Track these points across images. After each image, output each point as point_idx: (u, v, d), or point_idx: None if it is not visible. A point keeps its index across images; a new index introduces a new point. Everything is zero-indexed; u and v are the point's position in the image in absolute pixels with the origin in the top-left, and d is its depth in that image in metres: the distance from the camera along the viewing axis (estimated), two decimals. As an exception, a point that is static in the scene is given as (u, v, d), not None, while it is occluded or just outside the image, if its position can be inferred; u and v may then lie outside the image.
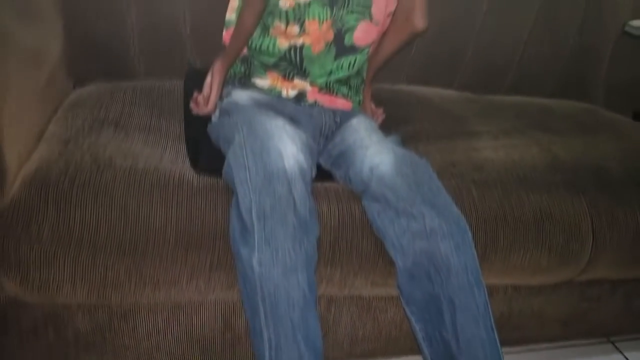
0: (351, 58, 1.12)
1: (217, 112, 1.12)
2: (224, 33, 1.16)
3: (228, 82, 1.14)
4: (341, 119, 1.14)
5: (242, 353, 1.09)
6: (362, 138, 1.08)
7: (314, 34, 1.08)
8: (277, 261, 0.82)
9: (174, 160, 1.03)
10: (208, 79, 1.11)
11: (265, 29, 1.09)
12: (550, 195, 1.12)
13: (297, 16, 1.06)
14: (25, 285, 0.90)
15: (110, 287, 0.93)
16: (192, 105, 1.14)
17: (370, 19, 1.10)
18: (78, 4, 1.28)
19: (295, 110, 1.10)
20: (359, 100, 1.19)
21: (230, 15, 1.14)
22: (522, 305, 1.21)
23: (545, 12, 1.58)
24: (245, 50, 1.12)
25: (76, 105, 1.16)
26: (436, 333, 0.92)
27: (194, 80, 1.18)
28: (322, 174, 1.04)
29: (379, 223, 0.97)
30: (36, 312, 0.98)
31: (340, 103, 1.15)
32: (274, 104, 1.09)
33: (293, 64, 1.10)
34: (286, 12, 1.06)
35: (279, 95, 1.12)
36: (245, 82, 1.13)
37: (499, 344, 0.91)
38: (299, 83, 1.12)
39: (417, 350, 0.96)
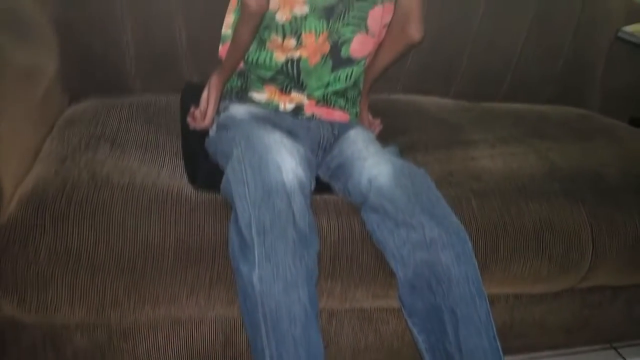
0: (348, 70, 1.12)
1: (214, 127, 1.12)
2: (221, 48, 1.16)
3: (225, 96, 1.14)
4: (339, 131, 1.13)
5: (244, 369, 1.08)
6: (359, 150, 1.08)
7: (311, 47, 1.08)
8: (277, 277, 0.82)
9: (171, 176, 1.02)
10: (205, 94, 1.11)
11: (262, 43, 1.09)
12: (549, 204, 1.12)
13: (294, 29, 1.06)
14: (23, 306, 0.89)
15: (109, 306, 0.92)
16: (189, 119, 1.14)
17: (366, 30, 1.10)
18: (73, 20, 1.28)
19: (293, 124, 1.10)
20: (356, 112, 1.19)
21: (227, 30, 1.14)
22: (523, 314, 1.20)
23: (539, 20, 1.59)
24: (241, 65, 1.12)
25: (72, 122, 1.16)
26: (439, 344, 0.91)
27: (191, 95, 1.18)
28: (320, 186, 1.04)
29: (379, 234, 0.97)
30: (35, 332, 0.97)
31: (338, 115, 1.15)
32: (272, 118, 1.09)
33: (290, 77, 1.10)
34: (283, 26, 1.06)
35: (277, 108, 1.12)
36: (242, 96, 1.13)
37: (501, 353, 0.91)
38: (296, 96, 1.12)
39: (420, 362, 0.96)
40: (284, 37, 1.07)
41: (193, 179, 1.01)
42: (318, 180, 1.05)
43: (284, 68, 1.09)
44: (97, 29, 1.30)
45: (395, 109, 1.42)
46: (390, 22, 1.14)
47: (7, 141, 0.91)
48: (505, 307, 1.18)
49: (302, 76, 1.10)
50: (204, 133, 1.13)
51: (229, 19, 1.14)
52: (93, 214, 0.91)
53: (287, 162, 0.91)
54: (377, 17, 1.10)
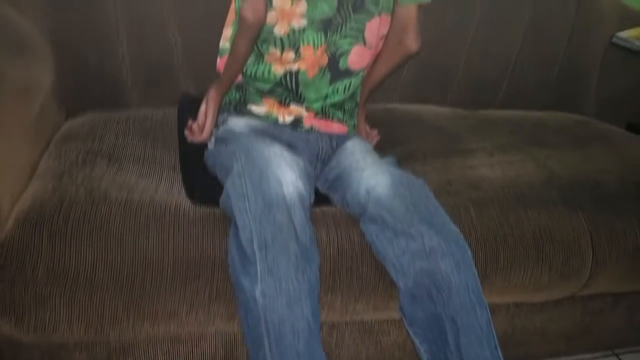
0: (346, 82, 1.12)
1: (212, 140, 1.11)
2: (218, 61, 1.16)
3: (223, 109, 1.14)
4: (337, 142, 1.13)
5: (245, 384, 1.07)
6: (357, 160, 1.07)
7: (309, 59, 1.08)
8: (280, 292, 0.81)
9: (169, 190, 1.02)
10: (203, 107, 1.11)
11: (260, 56, 1.08)
12: (548, 212, 1.12)
13: (292, 42, 1.06)
14: (21, 325, 0.88)
15: (108, 323, 0.91)
16: (186, 133, 1.13)
17: (364, 42, 1.10)
18: (68, 35, 1.27)
19: (291, 136, 1.09)
20: (354, 124, 1.19)
21: (224, 43, 1.14)
22: (524, 322, 1.20)
23: (534, 27, 1.60)
24: (240, 77, 1.12)
25: (69, 138, 1.15)
26: (441, 354, 0.91)
27: (188, 108, 1.18)
28: (319, 198, 1.04)
29: (378, 245, 0.96)
30: (33, 351, 0.96)
31: (336, 127, 1.15)
32: (271, 131, 1.09)
33: (289, 89, 1.10)
34: (281, 39, 1.06)
35: (275, 121, 1.12)
36: (241, 109, 1.13)
37: (503, 362, 0.90)
38: (295, 109, 1.12)
39: (422, 371, 0.95)
40: (282, 50, 1.07)
41: (191, 194, 1.01)
42: (316, 192, 1.04)
43: (283, 81, 1.09)
44: (93, 43, 1.29)
45: (392, 119, 1.42)
46: (388, 33, 1.14)
47: (4, 158, 0.90)
48: (506, 315, 1.18)
49: (300, 89, 1.10)
50: (202, 146, 1.12)
51: (227, 32, 1.14)
52: (91, 230, 0.90)
53: (288, 176, 0.91)
54: (374, 28, 1.10)
